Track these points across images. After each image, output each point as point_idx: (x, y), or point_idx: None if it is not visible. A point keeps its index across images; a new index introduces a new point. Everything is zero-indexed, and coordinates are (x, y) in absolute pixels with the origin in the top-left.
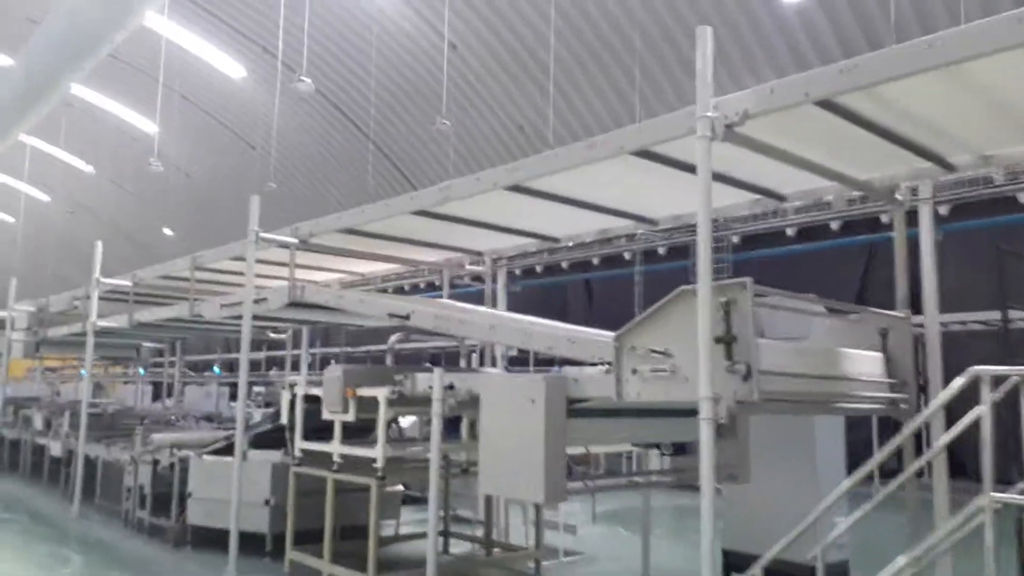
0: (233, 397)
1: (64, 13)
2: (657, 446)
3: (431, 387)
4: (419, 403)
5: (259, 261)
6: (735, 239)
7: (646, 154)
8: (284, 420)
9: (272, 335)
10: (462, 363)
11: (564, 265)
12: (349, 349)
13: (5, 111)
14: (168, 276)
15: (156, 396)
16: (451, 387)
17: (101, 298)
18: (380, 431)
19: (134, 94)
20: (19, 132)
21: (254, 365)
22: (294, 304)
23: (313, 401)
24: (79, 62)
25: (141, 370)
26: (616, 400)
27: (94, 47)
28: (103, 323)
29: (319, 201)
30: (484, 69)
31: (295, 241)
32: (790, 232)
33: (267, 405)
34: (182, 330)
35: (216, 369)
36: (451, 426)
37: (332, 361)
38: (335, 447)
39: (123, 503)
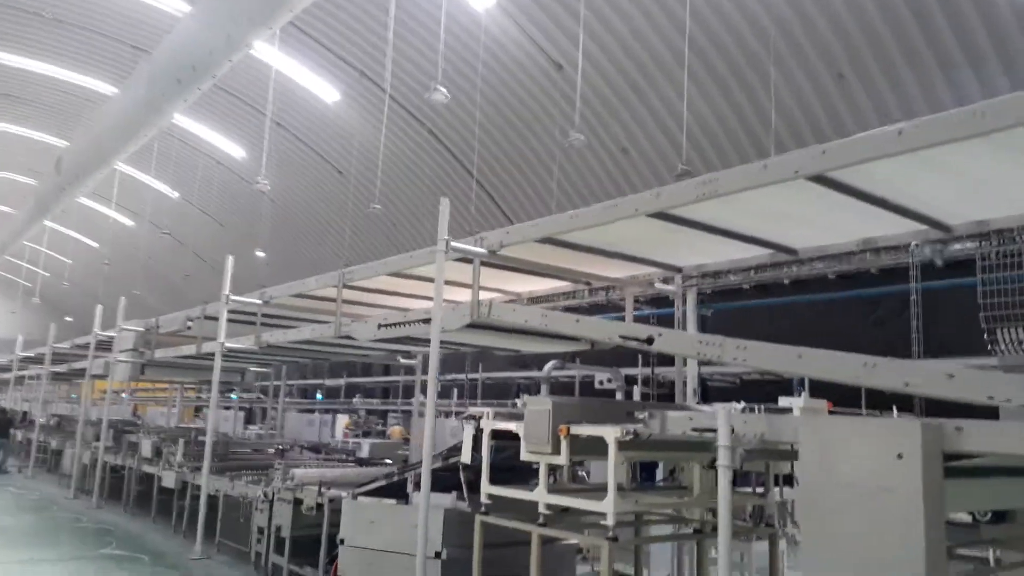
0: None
1: (172, 46)
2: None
3: (695, 429)
4: (663, 447)
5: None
6: None
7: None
8: (465, 458)
9: (403, 360)
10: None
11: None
12: (475, 376)
13: (108, 140)
14: (302, 295)
15: (248, 421)
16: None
17: (208, 318)
18: (611, 481)
19: (221, 117)
20: (118, 160)
21: (352, 391)
22: (473, 326)
23: (498, 437)
24: (184, 93)
25: (233, 395)
26: None
27: (199, 79)
28: (231, 344)
29: (413, 227)
30: (590, 89)
31: (483, 252)
32: None
33: (365, 435)
34: (314, 353)
35: (319, 395)
36: (645, 471)
37: (455, 389)
38: (541, 495)
39: (252, 544)
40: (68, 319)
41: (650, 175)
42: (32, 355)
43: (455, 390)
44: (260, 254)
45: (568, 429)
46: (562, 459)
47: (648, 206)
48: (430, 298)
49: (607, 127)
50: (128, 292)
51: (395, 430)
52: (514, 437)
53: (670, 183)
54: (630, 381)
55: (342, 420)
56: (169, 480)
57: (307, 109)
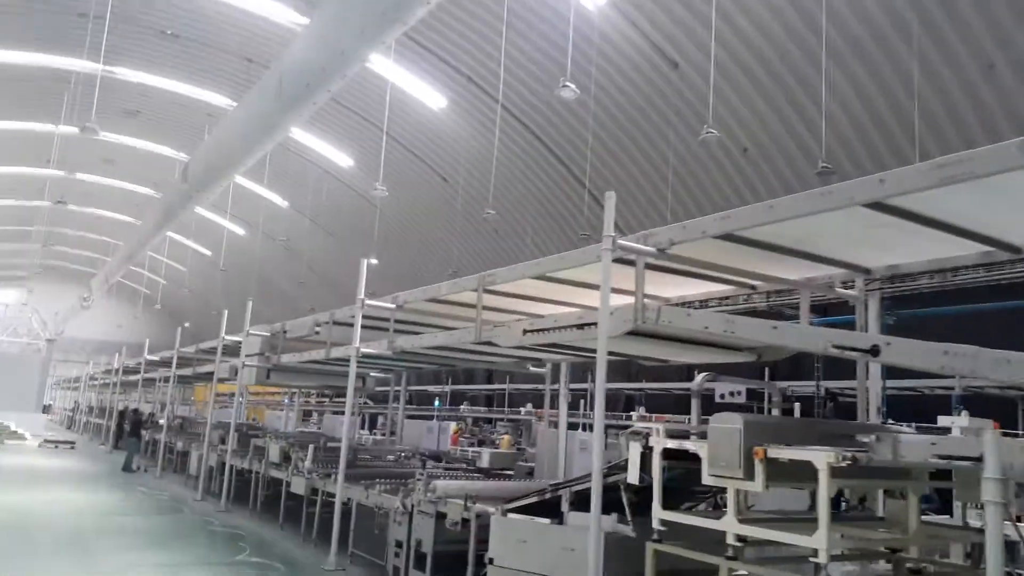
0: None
1: (288, 61)
2: None
3: (941, 456)
4: (877, 474)
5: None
6: None
7: None
8: (632, 478)
9: (532, 368)
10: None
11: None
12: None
13: (230, 151)
14: (436, 299)
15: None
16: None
17: (337, 323)
18: (822, 513)
19: (328, 126)
20: (240, 170)
21: (456, 399)
22: (634, 333)
23: (672, 457)
24: (300, 108)
25: None
26: None
27: (314, 94)
28: (366, 349)
29: (518, 236)
30: (707, 86)
31: (651, 251)
32: None
33: (480, 443)
34: (443, 359)
35: (437, 403)
36: None
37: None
38: (731, 524)
39: (388, 558)
40: (186, 325)
41: (772, 176)
42: (157, 359)
43: (584, 399)
44: (372, 261)
45: (765, 451)
46: (756, 485)
47: (867, 194)
48: (573, 304)
49: (726, 127)
50: (242, 299)
51: (505, 439)
52: (687, 457)
53: (794, 184)
54: (753, 396)
55: (449, 427)
56: (299, 486)
57: (413, 116)
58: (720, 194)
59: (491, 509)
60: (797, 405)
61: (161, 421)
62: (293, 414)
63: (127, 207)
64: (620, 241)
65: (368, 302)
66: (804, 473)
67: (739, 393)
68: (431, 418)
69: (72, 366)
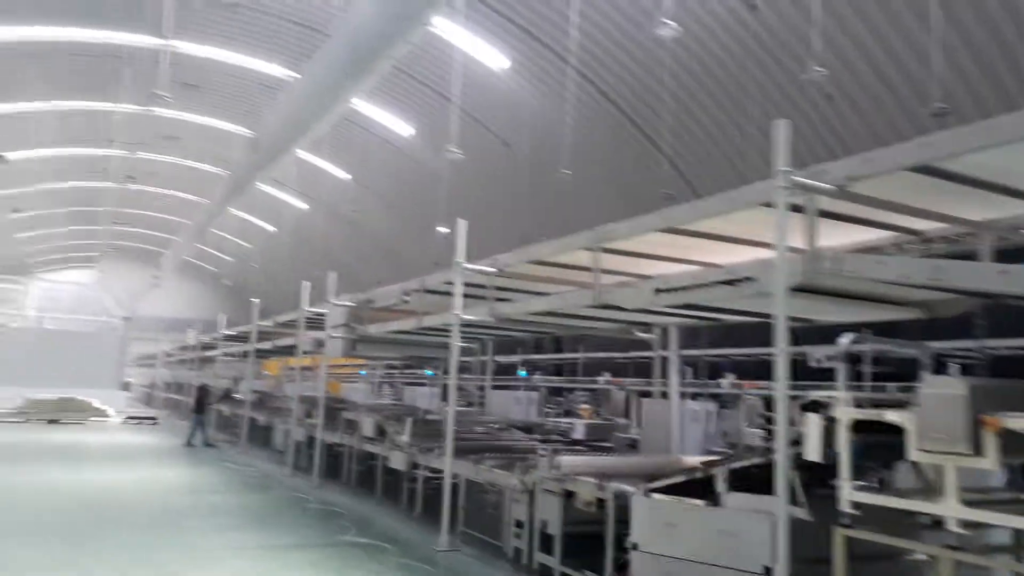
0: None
1: (350, 29)
2: None
3: None
4: None
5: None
6: None
7: None
8: (813, 455)
9: (639, 334)
10: None
11: None
12: (715, 352)
13: (288, 126)
14: (541, 261)
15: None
16: None
17: (428, 291)
18: None
19: (386, 93)
20: (299, 146)
21: (566, 369)
22: (799, 288)
23: (863, 429)
24: (363, 77)
25: (429, 371)
26: None
27: (377, 61)
28: (468, 316)
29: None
30: (789, 31)
31: (830, 188)
32: None
33: (566, 414)
34: (547, 326)
35: (522, 372)
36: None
37: (723, 368)
38: (954, 508)
39: (507, 538)
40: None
41: (860, 125)
42: (235, 333)
43: (725, 371)
44: (443, 230)
45: (999, 421)
46: (987, 461)
47: None
48: (698, 262)
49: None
50: (307, 275)
51: (584, 410)
52: (880, 430)
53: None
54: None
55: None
56: (398, 461)
57: (473, 80)
58: (808, 148)
59: (630, 488)
60: (956, 367)
61: (238, 396)
62: (369, 386)
63: (189, 184)
64: (798, 177)
65: (467, 266)
66: None
67: (835, 357)
68: (512, 388)
69: (146, 343)
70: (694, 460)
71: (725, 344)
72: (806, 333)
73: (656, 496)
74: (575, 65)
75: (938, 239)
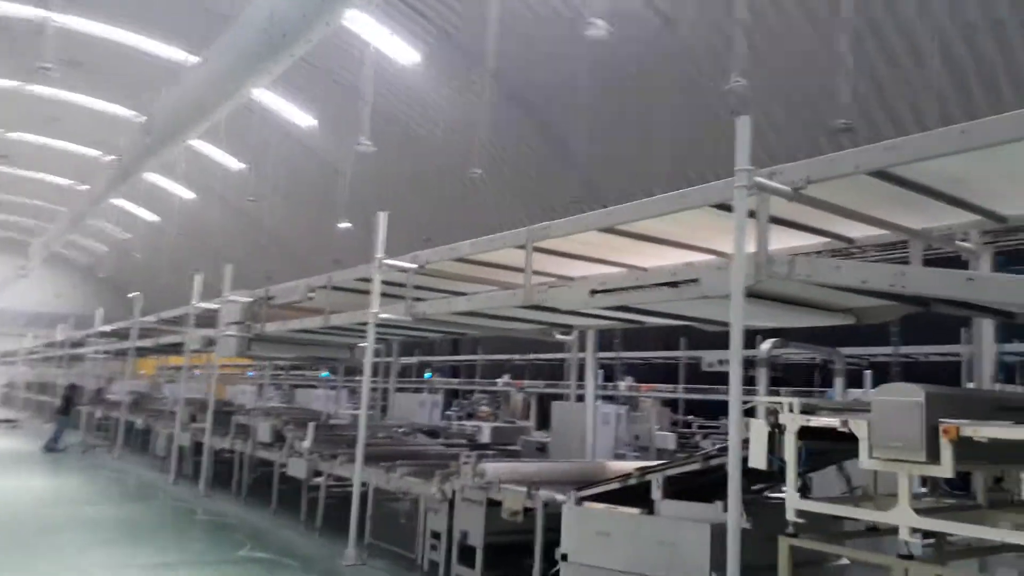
0: (448, 407)
1: (258, 17)
2: None
3: None
4: None
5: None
6: None
7: None
8: (757, 462)
9: (559, 336)
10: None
11: None
12: (629, 354)
13: (184, 112)
14: (465, 259)
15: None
16: None
17: (336, 288)
18: None
19: (287, 82)
20: (194, 133)
21: (462, 371)
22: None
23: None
24: (269, 66)
25: (325, 373)
26: None
27: (286, 50)
28: (385, 315)
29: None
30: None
31: (785, 190)
32: None
33: (468, 416)
34: (461, 326)
35: (428, 374)
36: None
37: (616, 372)
38: (906, 517)
39: (421, 550)
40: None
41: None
42: (109, 330)
43: (623, 373)
44: (345, 225)
45: (957, 429)
46: (943, 469)
47: None
48: (627, 265)
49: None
50: (192, 270)
51: (484, 412)
52: (825, 436)
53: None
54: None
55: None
56: (298, 469)
57: (382, 74)
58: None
59: (560, 497)
60: (868, 373)
61: (111, 397)
62: (252, 388)
63: (67, 169)
64: (759, 179)
65: (387, 262)
66: (1001, 454)
67: (721, 362)
68: (414, 391)
69: (7, 339)
70: (620, 466)
71: (619, 348)
72: (696, 337)
73: (589, 505)
74: (484, 63)
75: (870, 247)
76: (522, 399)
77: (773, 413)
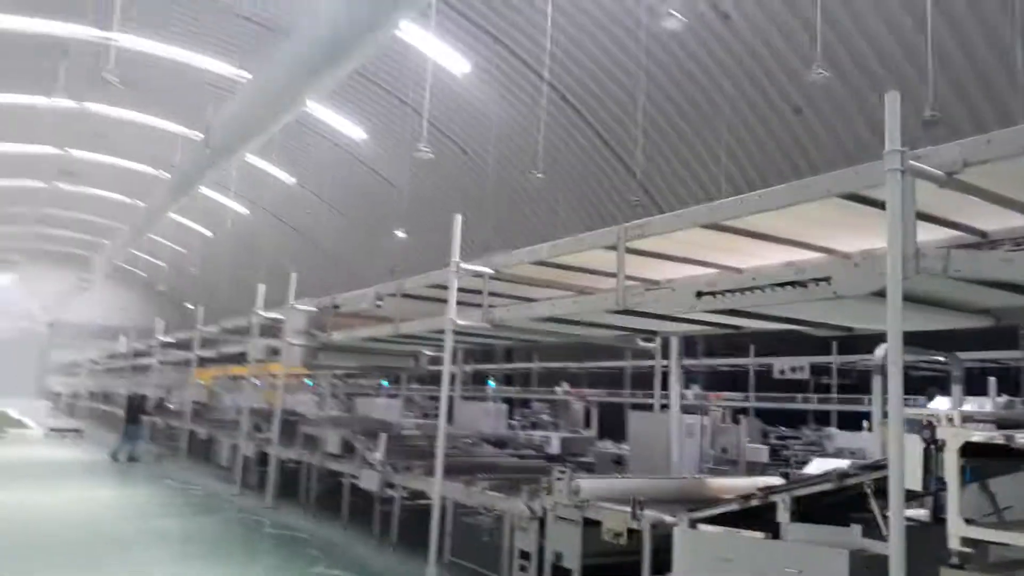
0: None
1: (313, 29)
2: None
3: None
4: None
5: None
6: None
7: None
8: (912, 483)
9: (642, 344)
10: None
11: None
12: (694, 361)
13: (239, 127)
14: (545, 262)
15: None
16: None
17: (405, 295)
18: None
19: (337, 94)
20: (246, 152)
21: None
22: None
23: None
24: (323, 80)
25: (385, 382)
26: None
27: (340, 64)
28: (464, 321)
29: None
30: (761, 42)
31: (938, 174)
32: None
33: (533, 426)
34: (541, 333)
35: (491, 382)
36: None
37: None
38: None
39: (508, 570)
40: (190, 307)
41: (827, 138)
42: (172, 340)
43: (690, 380)
44: (401, 235)
45: None
46: None
47: None
48: (726, 267)
49: (778, 85)
50: (248, 283)
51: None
52: (996, 454)
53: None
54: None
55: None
56: (370, 481)
57: (433, 84)
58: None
59: (668, 518)
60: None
61: (171, 406)
62: (311, 398)
63: (122, 185)
64: (912, 162)
65: (464, 266)
66: None
67: (802, 369)
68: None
69: (71, 351)
70: (722, 483)
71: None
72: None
73: (704, 528)
74: (537, 70)
75: (1007, 240)
76: (582, 408)
77: (930, 427)
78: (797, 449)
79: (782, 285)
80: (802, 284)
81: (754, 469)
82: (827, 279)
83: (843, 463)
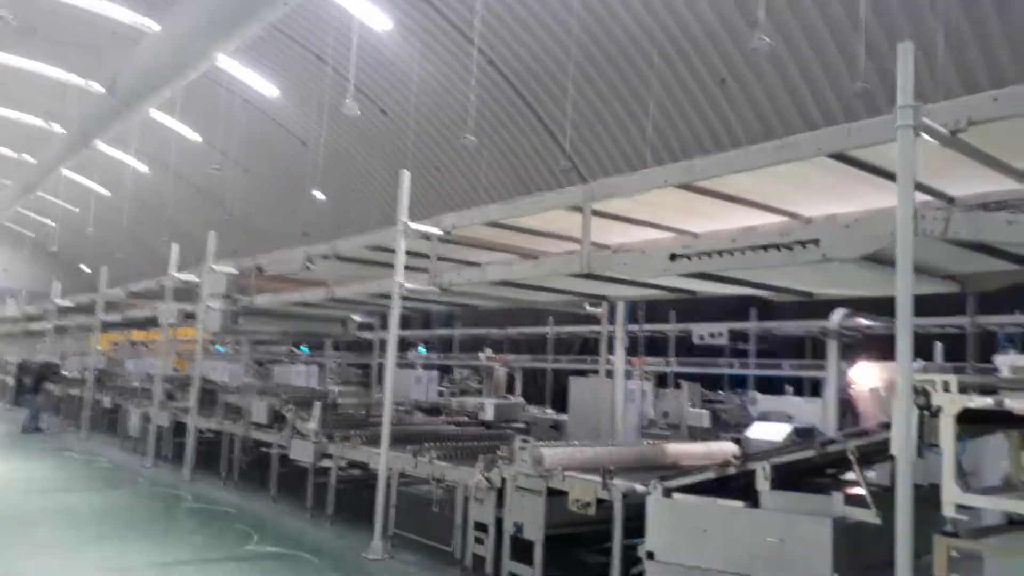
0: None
1: None
2: None
3: None
4: None
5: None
6: None
7: None
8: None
9: (589, 308)
10: None
11: None
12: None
13: (145, 81)
14: (497, 223)
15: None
16: None
17: (341, 258)
18: None
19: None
20: (154, 104)
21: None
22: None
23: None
24: (232, 32)
25: (305, 348)
26: None
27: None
28: (412, 285)
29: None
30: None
31: (943, 130)
32: None
33: (462, 393)
34: (490, 299)
35: (422, 349)
36: None
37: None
38: None
39: (462, 544)
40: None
41: (748, 108)
42: (72, 304)
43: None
44: (320, 196)
45: None
46: None
47: None
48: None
49: (704, 56)
50: (147, 244)
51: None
52: (991, 420)
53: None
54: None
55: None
56: (303, 452)
57: (352, 40)
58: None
59: (640, 487)
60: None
61: (67, 373)
62: (224, 365)
63: (9, 139)
64: (927, 120)
65: (413, 225)
66: None
67: (720, 335)
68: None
69: None
70: (680, 448)
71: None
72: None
73: (680, 497)
74: (465, 32)
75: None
76: (505, 374)
77: (924, 393)
78: (734, 413)
79: (765, 248)
80: (787, 247)
81: (695, 433)
82: (815, 241)
83: (784, 427)
